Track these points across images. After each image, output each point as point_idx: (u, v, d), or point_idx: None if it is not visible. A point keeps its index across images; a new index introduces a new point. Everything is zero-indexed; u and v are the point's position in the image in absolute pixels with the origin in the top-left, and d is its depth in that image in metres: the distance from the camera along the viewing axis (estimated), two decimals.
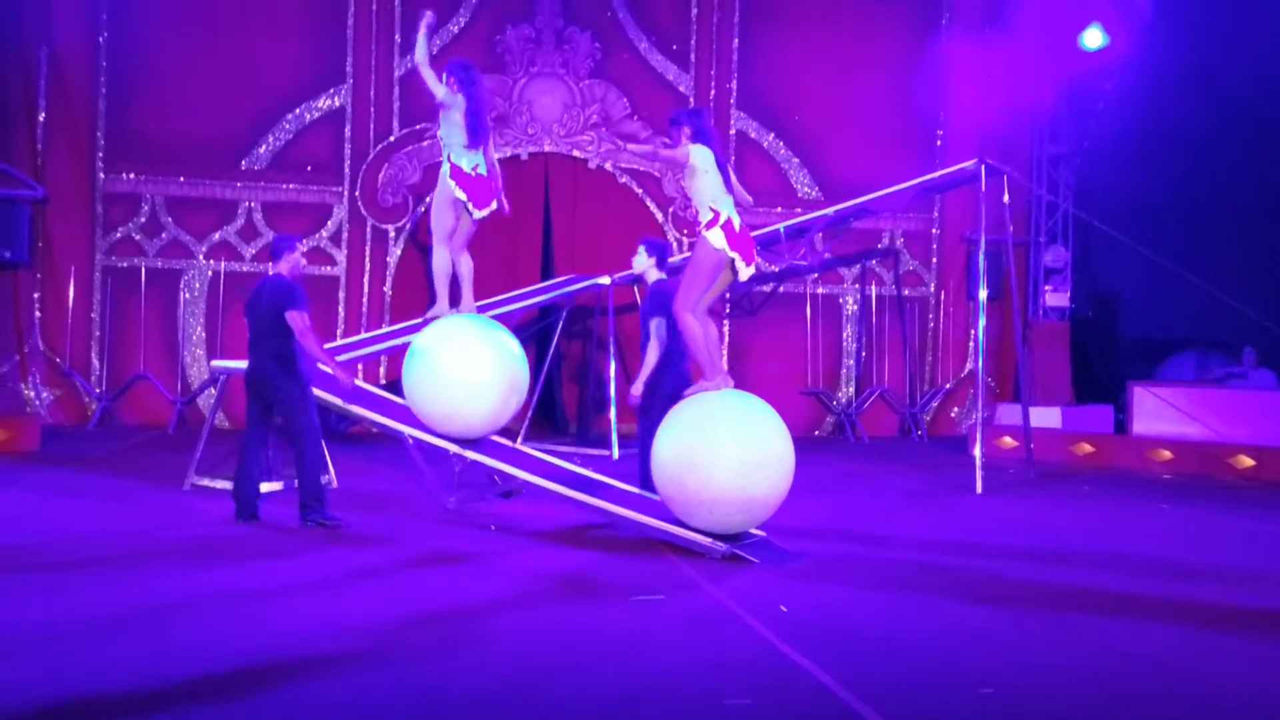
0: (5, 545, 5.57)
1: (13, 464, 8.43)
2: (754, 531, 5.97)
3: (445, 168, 6.93)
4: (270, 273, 6.52)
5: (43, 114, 11.22)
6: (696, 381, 6.20)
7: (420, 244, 11.57)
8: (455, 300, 7.29)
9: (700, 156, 6.05)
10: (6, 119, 11.07)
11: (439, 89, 6.90)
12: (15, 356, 11.16)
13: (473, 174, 6.92)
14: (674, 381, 6.57)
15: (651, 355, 6.65)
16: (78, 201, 11.35)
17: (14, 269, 11.06)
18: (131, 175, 11.52)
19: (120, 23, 11.29)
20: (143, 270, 11.49)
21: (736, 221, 6.06)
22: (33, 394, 11.18)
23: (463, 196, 6.91)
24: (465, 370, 6.61)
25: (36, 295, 11.26)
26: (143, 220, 11.57)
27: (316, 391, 6.71)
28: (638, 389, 6.67)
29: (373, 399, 7.37)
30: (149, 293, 11.45)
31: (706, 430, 5.70)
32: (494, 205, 7.08)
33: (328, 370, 6.51)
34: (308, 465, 6.29)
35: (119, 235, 11.54)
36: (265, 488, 7.17)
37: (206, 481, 7.35)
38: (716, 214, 6.03)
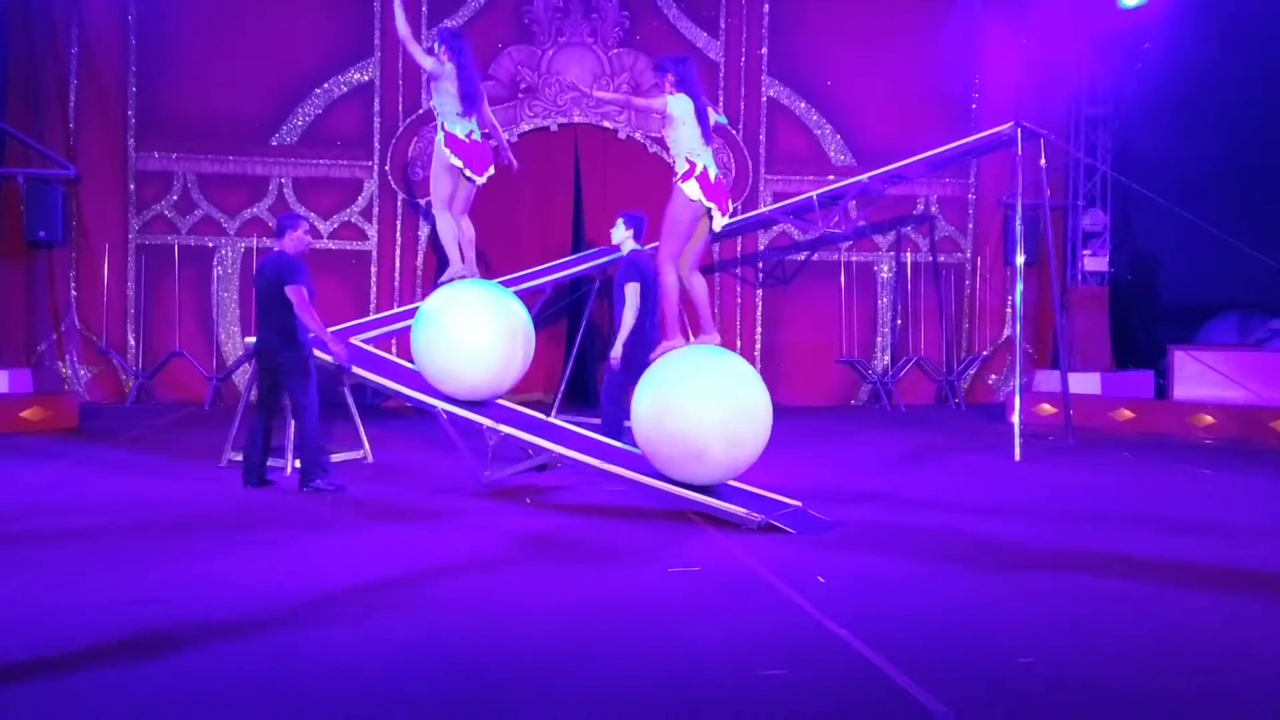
0: (46, 514, 5.65)
1: (53, 441, 8.54)
2: (789, 501, 5.93)
3: (440, 136, 7.08)
4: (275, 249, 6.72)
5: (74, 94, 11.28)
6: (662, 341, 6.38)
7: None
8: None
9: (678, 106, 6.09)
10: (38, 99, 11.15)
11: (426, 60, 7.04)
12: (52, 335, 11.29)
13: (467, 140, 7.07)
14: (647, 347, 6.76)
15: (628, 318, 6.93)
16: (110, 180, 11.42)
17: (49, 248, 11.18)
18: (163, 153, 11.56)
19: (148, 1, 11.30)
20: (176, 247, 11.56)
21: (712, 172, 6.14)
22: (70, 372, 11.31)
23: (459, 163, 7.06)
24: (468, 333, 6.74)
25: (72, 274, 11.37)
26: (175, 198, 11.62)
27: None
28: (617, 351, 6.93)
29: (407, 374, 7.38)
30: (182, 270, 11.53)
31: (679, 374, 5.80)
32: (491, 170, 7.24)
33: (331, 343, 6.66)
34: (308, 435, 6.51)
35: (152, 213, 11.60)
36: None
37: (243, 457, 7.39)
38: (692, 165, 6.11)
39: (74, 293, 11.37)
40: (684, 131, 6.13)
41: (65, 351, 11.32)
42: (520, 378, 7.12)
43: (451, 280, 7.29)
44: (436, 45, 7.10)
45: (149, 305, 11.49)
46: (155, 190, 11.60)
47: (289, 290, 6.43)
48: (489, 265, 11.11)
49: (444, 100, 7.06)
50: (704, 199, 6.12)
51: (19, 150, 11.00)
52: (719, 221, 6.25)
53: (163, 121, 11.49)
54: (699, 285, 6.43)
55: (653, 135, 12.11)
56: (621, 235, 7.32)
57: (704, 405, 5.65)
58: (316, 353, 6.84)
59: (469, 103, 7.04)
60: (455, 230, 7.30)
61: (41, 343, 11.26)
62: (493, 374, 6.82)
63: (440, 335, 6.78)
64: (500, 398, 7.13)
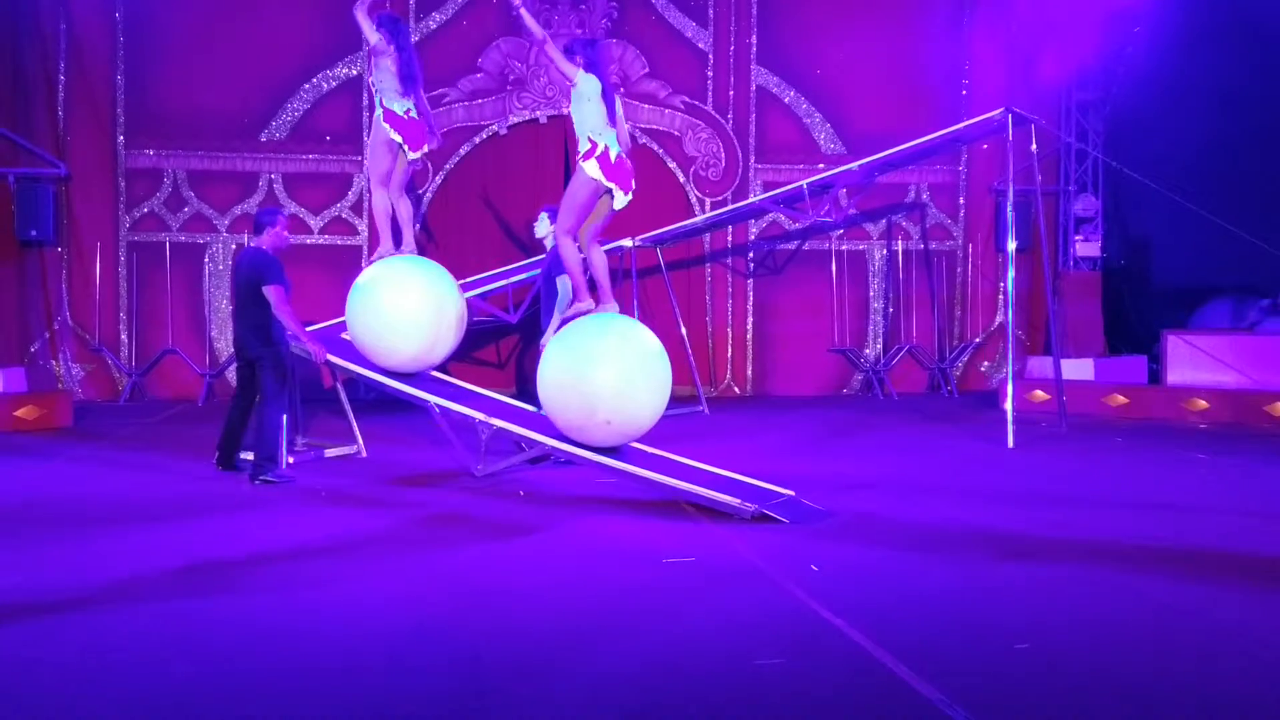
0: (40, 508, 5.66)
1: (47, 440, 8.53)
2: (782, 491, 5.95)
3: (379, 112, 7.35)
4: (250, 244, 6.86)
5: (62, 92, 11.22)
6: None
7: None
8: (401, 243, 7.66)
9: (586, 83, 6.36)
10: (27, 98, 11.10)
11: (373, 35, 7.26)
12: (45, 334, 11.26)
13: (405, 117, 7.33)
14: None
15: (563, 310, 7.18)
16: (100, 178, 11.37)
17: (40, 247, 11.14)
18: (152, 150, 11.52)
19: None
20: (167, 245, 11.52)
21: (614, 152, 6.38)
22: (63, 370, 11.28)
23: (398, 138, 7.32)
24: (397, 306, 6.97)
25: (64, 272, 11.32)
26: (165, 195, 11.58)
27: (336, 360, 7.11)
28: (548, 339, 7.11)
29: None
30: (174, 267, 11.49)
31: (582, 335, 6.20)
32: (427, 147, 7.52)
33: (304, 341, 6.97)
34: (267, 427, 6.65)
35: (143, 211, 11.56)
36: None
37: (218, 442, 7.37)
38: (594, 145, 6.36)
39: (66, 291, 11.32)
40: (588, 109, 6.35)
41: (58, 350, 11.29)
42: (452, 351, 7.34)
43: (380, 259, 7.48)
44: (377, 27, 7.32)
45: (141, 303, 11.46)
46: (145, 188, 11.55)
47: (267, 290, 6.59)
48: (475, 259, 11.09)
49: (383, 78, 7.30)
50: (604, 179, 6.34)
51: (8, 149, 10.95)
52: (620, 200, 6.45)
53: (152, 119, 11.44)
54: (598, 258, 6.68)
55: (641, 126, 12.09)
56: (545, 230, 7.65)
57: (601, 346, 6.10)
58: (294, 347, 7.02)
59: (407, 83, 7.30)
60: (389, 209, 7.56)
61: (35, 341, 11.23)
62: (422, 345, 7.03)
63: (370, 308, 7.00)
64: (435, 370, 7.37)
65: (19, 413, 9.03)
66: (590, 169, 6.34)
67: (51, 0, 11.11)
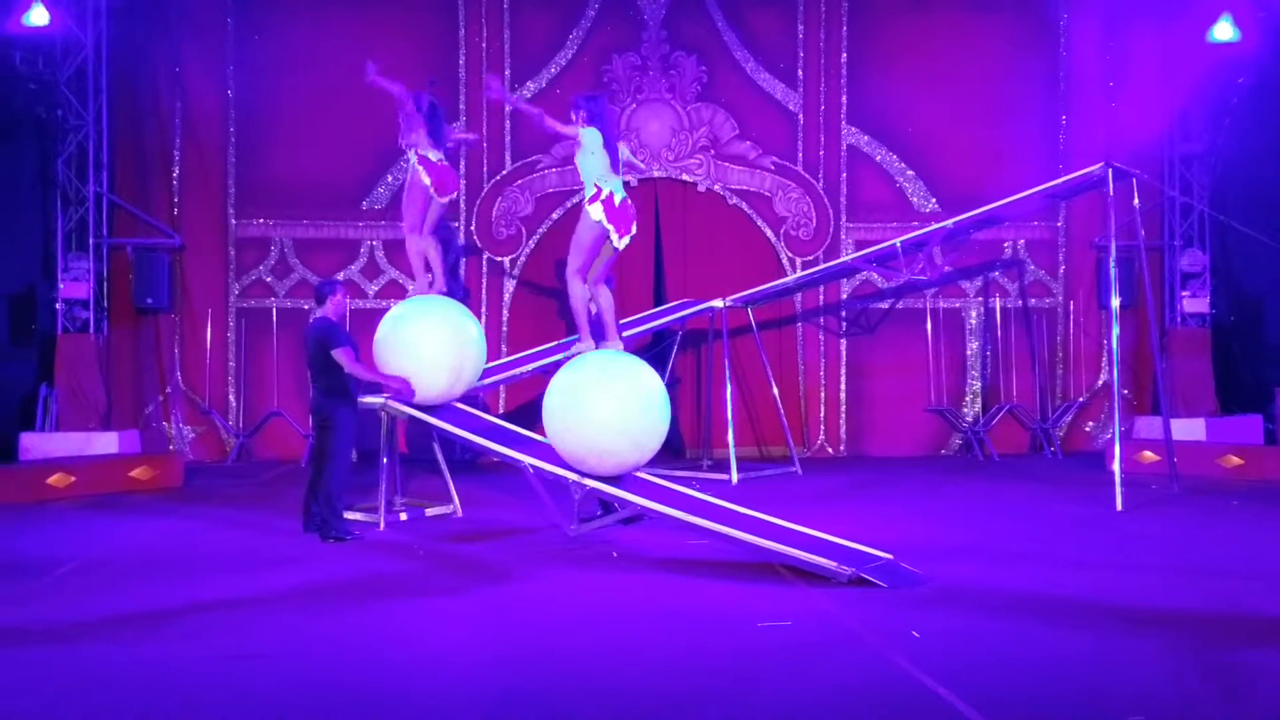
0: (144, 561, 5.85)
1: (159, 499, 8.84)
2: (879, 554, 5.83)
3: (413, 158, 8.10)
4: (317, 315, 7.25)
5: (177, 167, 11.80)
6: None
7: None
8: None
9: (589, 137, 6.92)
10: (146, 173, 11.72)
11: (408, 104, 8.22)
12: (159, 397, 11.72)
13: (437, 163, 8.08)
14: None
15: None
16: (212, 247, 11.87)
17: (155, 314, 11.66)
18: (261, 220, 11.99)
19: (245, 79, 11.80)
20: (274, 310, 11.93)
21: (618, 197, 6.91)
22: (175, 432, 11.71)
23: (428, 181, 8.02)
24: (420, 342, 7.44)
25: (176, 338, 11.80)
26: (272, 262, 12.02)
27: (413, 412, 7.50)
28: None
29: (494, 429, 7.50)
30: (280, 332, 11.87)
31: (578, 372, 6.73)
32: (454, 194, 8.39)
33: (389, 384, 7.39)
34: (333, 485, 6.96)
35: (251, 278, 12.01)
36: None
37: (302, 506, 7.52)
38: (599, 190, 6.86)
39: (179, 356, 11.79)
40: (593, 160, 6.92)
41: (170, 413, 11.73)
42: (472, 385, 7.81)
43: (419, 295, 8.17)
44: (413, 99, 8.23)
45: (249, 367, 11.86)
46: (254, 256, 12.01)
47: (336, 354, 6.93)
48: (568, 321, 11.22)
49: (420, 137, 8.09)
50: (605, 221, 6.82)
51: (128, 221, 11.56)
52: (617, 242, 6.96)
53: (260, 190, 11.92)
54: (605, 298, 7.20)
55: (731, 187, 12.17)
56: None
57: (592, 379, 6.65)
58: (391, 404, 7.40)
59: (436, 136, 8.13)
60: (423, 250, 8.22)
61: (149, 405, 11.69)
62: (443, 378, 7.42)
63: (396, 343, 7.43)
64: (457, 401, 7.73)
65: (134, 473, 9.39)
66: (594, 212, 6.85)
67: (169, 81, 11.74)
